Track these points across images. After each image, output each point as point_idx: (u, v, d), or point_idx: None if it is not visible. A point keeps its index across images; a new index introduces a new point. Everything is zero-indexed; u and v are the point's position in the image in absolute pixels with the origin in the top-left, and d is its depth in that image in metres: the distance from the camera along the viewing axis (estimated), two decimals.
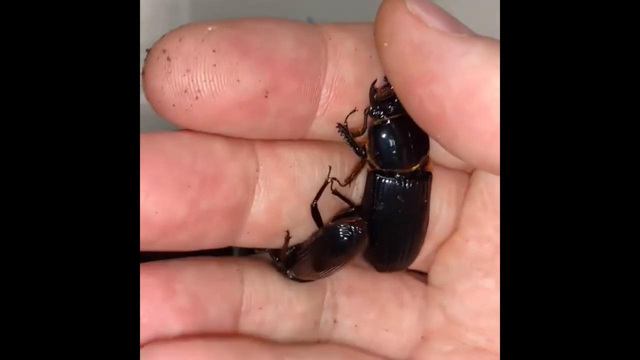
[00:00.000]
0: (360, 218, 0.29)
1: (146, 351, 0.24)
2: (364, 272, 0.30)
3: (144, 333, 0.24)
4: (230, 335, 0.26)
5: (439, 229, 0.30)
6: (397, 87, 0.25)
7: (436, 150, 0.29)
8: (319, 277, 0.29)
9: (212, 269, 0.26)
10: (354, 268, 0.30)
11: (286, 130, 0.26)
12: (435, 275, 0.31)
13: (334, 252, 0.28)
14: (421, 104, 0.24)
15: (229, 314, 0.26)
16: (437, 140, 0.25)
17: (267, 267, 0.28)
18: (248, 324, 0.27)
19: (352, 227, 0.28)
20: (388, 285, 0.30)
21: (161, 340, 0.24)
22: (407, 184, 0.29)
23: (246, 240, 0.27)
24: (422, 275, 0.32)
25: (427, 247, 0.31)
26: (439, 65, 0.23)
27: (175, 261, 0.26)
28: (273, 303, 0.27)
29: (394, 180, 0.29)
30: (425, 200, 0.29)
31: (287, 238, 0.28)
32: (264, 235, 0.27)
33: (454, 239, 0.30)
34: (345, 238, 0.28)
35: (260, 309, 0.27)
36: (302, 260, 0.29)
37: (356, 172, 0.30)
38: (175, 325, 0.25)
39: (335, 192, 0.29)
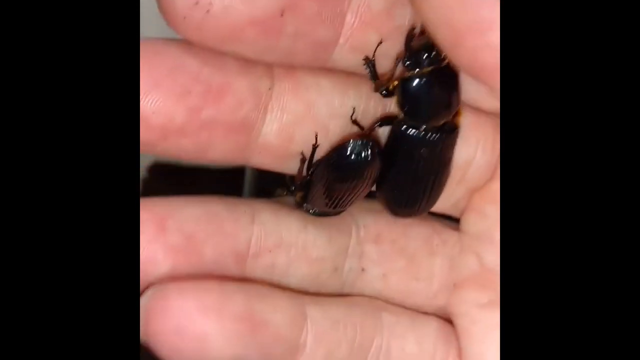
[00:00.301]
0: (371, 139, 0.27)
1: (158, 289, 0.24)
2: (392, 220, 0.29)
3: None
4: (237, 278, 0.26)
5: (473, 174, 0.29)
6: (444, 39, 0.23)
7: (472, 92, 0.28)
8: (334, 208, 0.28)
9: (216, 209, 0.26)
10: (382, 215, 0.29)
11: (305, 55, 0.25)
12: (470, 223, 0.30)
13: (343, 174, 0.27)
14: (474, 55, 0.22)
15: (231, 256, 0.26)
16: (491, 89, 0.24)
17: (284, 210, 0.27)
18: (257, 267, 0.26)
19: (361, 143, 0.27)
20: (418, 232, 0.30)
21: (172, 278, 0.24)
22: (432, 137, 0.28)
23: (258, 160, 0.26)
24: (453, 222, 0.31)
25: (458, 192, 0.30)
26: (494, 11, 0.21)
27: (176, 198, 0.26)
28: (286, 246, 0.27)
29: (419, 133, 0.28)
30: (449, 155, 0.29)
31: (302, 160, 0.27)
32: (276, 157, 0.26)
33: (491, 187, 0.29)
34: (352, 156, 0.26)
35: (270, 251, 0.26)
36: (314, 187, 0.27)
37: (381, 118, 0.28)
38: (164, 262, 0.24)
39: (355, 122, 0.28)
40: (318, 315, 0.26)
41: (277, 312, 0.25)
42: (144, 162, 0.60)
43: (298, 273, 0.27)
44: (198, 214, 0.25)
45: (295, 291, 0.27)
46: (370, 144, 0.27)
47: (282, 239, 0.27)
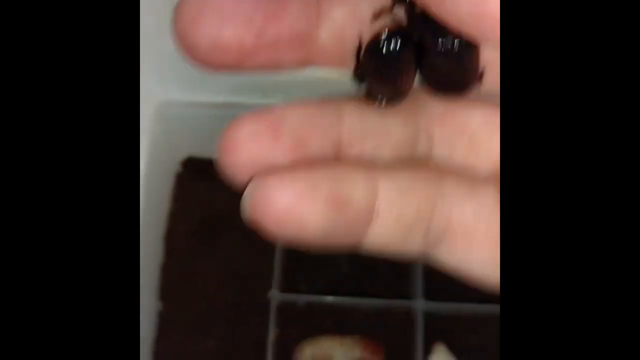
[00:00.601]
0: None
1: (260, 181, 0.28)
2: (454, 103, 0.32)
3: (255, 171, 0.28)
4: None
5: None
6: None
7: None
8: (392, 99, 0.31)
9: (312, 110, 0.30)
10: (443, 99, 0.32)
11: None
12: None
13: (382, 63, 0.30)
14: (475, 5, 0.25)
15: (330, 148, 0.30)
16: (493, 43, 0.27)
17: (364, 105, 0.31)
18: (350, 155, 0.30)
19: (389, 33, 0.29)
20: (477, 114, 0.32)
21: (270, 170, 0.28)
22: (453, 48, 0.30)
23: (321, 62, 0.30)
24: None
25: None
26: None
27: (278, 107, 0.29)
28: (370, 135, 0.30)
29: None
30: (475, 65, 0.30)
31: (355, 58, 0.30)
32: (335, 58, 0.30)
33: None
34: (385, 44, 0.29)
35: (358, 141, 0.30)
36: (369, 80, 0.30)
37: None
38: (284, 162, 0.29)
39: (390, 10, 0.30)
40: (388, 186, 0.30)
41: (357, 189, 0.29)
42: (178, 156, 0.62)
43: (383, 158, 0.31)
44: (300, 116, 0.29)
45: (371, 168, 0.30)
46: (401, 32, 0.29)
47: (367, 128, 0.30)
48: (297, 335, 0.52)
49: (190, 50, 0.29)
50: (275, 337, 0.51)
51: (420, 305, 0.50)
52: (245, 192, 0.29)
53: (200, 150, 0.62)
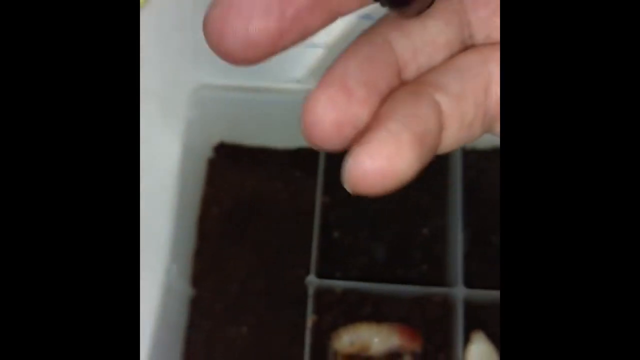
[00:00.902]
0: None
1: (352, 155, 0.29)
2: None
3: (345, 131, 0.29)
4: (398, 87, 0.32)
5: None
6: None
7: None
8: (420, 5, 0.32)
9: (364, 50, 0.31)
10: None
11: None
12: None
13: None
14: None
15: (394, 78, 0.31)
16: None
17: (401, 21, 0.33)
18: (409, 75, 0.32)
19: None
20: None
21: (360, 141, 0.29)
22: None
23: (344, 11, 0.31)
24: None
25: None
26: None
27: (336, 64, 0.30)
28: (420, 47, 0.32)
29: None
30: None
31: None
32: (356, 1, 0.31)
33: None
34: None
35: (412, 58, 0.31)
36: None
37: None
38: (363, 114, 0.30)
39: None
40: (446, 97, 0.32)
41: (428, 117, 0.30)
42: (211, 141, 0.61)
43: (439, 61, 0.33)
44: (358, 62, 0.31)
45: (422, 83, 0.31)
46: None
47: (415, 42, 0.32)
48: (334, 321, 0.52)
49: (225, 53, 0.28)
50: (313, 323, 0.51)
51: (460, 292, 0.50)
52: (343, 170, 0.30)
53: (231, 136, 0.62)
